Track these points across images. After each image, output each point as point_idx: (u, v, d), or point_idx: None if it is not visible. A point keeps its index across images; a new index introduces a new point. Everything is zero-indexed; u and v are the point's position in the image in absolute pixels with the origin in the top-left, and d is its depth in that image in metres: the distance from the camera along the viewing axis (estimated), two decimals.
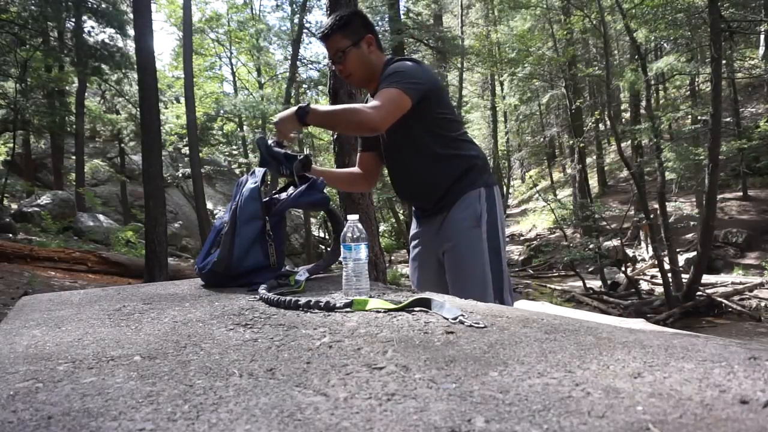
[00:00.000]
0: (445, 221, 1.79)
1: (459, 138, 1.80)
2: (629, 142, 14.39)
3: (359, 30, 1.76)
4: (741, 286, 9.64)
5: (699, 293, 9.06)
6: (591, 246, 11.15)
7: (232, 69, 24.70)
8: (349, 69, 1.76)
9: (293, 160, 1.50)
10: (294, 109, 1.57)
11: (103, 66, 13.34)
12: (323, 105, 1.63)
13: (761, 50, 14.81)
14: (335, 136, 3.18)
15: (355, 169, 2.03)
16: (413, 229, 1.98)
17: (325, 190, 1.53)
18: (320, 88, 19.63)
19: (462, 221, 1.75)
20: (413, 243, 1.96)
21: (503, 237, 1.79)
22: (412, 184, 1.87)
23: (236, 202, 1.46)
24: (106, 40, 13.88)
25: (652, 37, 13.40)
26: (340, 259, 1.28)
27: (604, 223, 12.87)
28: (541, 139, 24.28)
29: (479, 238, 1.73)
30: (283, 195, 1.52)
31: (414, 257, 1.96)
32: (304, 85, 21.16)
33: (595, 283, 11.45)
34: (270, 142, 1.56)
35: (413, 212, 1.99)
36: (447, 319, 0.96)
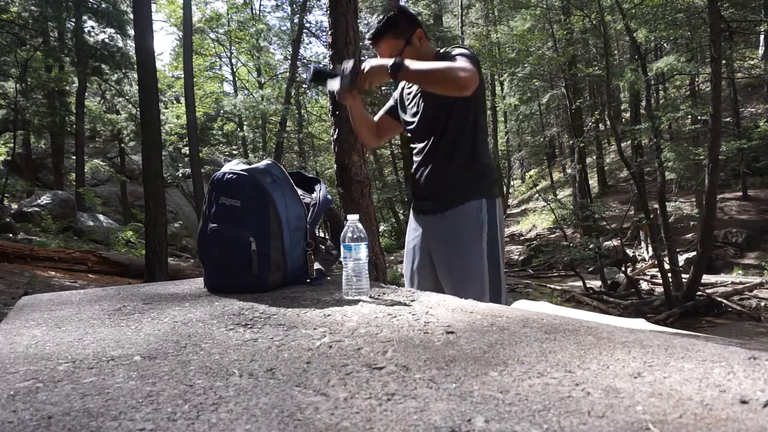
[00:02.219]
0: (443, 226, 1.80)
1: (483, 143, 1.82)
2: (629, 142, 14.38)
3: (408, 27, 1.77)
4: (741, 286, 9.63)
5: (699, 293, 9.05)
6: (591, 246, 11.15)
7: (232, 69, 24.74)
8: None
9: (346, 77, 1.67)
10: (388, 61, 1.60)
11: (103, 66, 13.35)
12: (417, 62, 1.63)
13: (761, 50, 14.81)
14: (335, 137, 3.18)
15: (374, 120, 2.05)
16: (411, 222, 2.02)
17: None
18: (320, 88, 19.61)
19: (462, 233, 1.76)
20: (411, 236, 1.99)
21: (502, 247, 1.81)
22: (426, 174, 1.87)
23: (274, 207, 1.32)
24: (106, 40, 13.90)
25: (652, 37, 13.40)
26: (341, 259, 1.27)
27: (604, 223, 12.87)
28: (541, 139, 24.26)
29: (480, 252, 1.74)
30: (299, 191, 1.46)
31: (410, 249, 1.99)
32: (304, 85, 21.17)
33: (595, 283, 11.45)
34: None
35: (413, 205, 2.01)
36: None
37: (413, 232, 1.98)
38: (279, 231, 1.32)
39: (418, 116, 1.86)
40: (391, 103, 2.05)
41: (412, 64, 1.60)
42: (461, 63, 1.61)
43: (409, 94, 1.94)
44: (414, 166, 1.95)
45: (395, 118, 2.01)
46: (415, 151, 1.93)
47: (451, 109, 1.76)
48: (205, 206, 1.40)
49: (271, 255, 1.31)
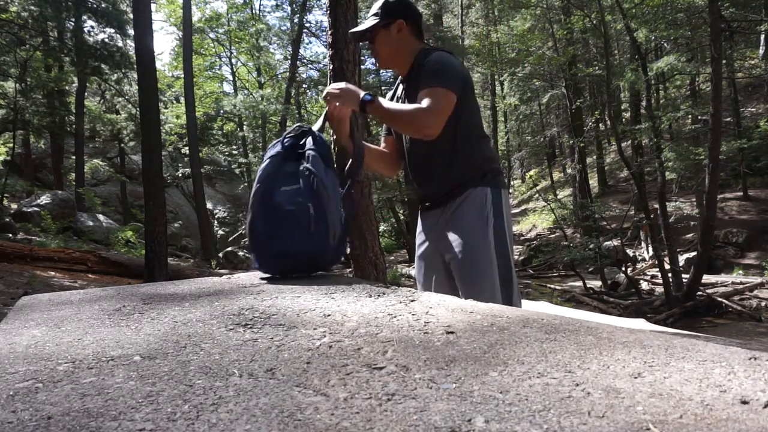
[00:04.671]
0: (450, 222, 1.77)
1: (480, 134, 1.83)
2: (629, 142, 14.38)
3: (393, 14, 1.82)
4: (741, 286, 9.63)
5: (699, 293, 9.05)
6: (591, 246, 11.14)
7: (232, 69, 24.77)
8: (377, 48, 1.85)
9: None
10: (360, 92, 1.65)
11: (103, 66, 13.37)
12: (387, 102, 1.69)
13: (761, 50, 14.82)
14: (335, 137, 3.18)
15: (385, 149, 2.04)
16: (419, 226, 1.97)
17: None
18: (320, 87, 19.64)
19: (468, 227, 1.73)
20: (419, 240, 1.96)
21: (511, 241, 1.77)
22: (427, 172, 1.86)
23: (312, 174, 1.42)
24: (106, 40, 13.90)
25: (652, 37, 13.39)
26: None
27: (604, 223, 12.87)
28: (541, 139, 24.26)
29: (488, 245, 1.71)
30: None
31: (420, 256, 1.94)
32: (304, 85, 21.18)
33: (595, 283, 11.45)
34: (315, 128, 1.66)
35: (420, 206, 1.98)
36: None
37: (420, 235, 1.95)
38: (330, 203, 1.43)
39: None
40: None
41: (383, 104, 1.65)
42: (429, 104, 1.61)
43: (399, 99, 1.93)
44: (409, 169, 1.92)
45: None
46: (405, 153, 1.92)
47: None
48: (256, 194, 1.46)
49: (329, 219, 1.41)
